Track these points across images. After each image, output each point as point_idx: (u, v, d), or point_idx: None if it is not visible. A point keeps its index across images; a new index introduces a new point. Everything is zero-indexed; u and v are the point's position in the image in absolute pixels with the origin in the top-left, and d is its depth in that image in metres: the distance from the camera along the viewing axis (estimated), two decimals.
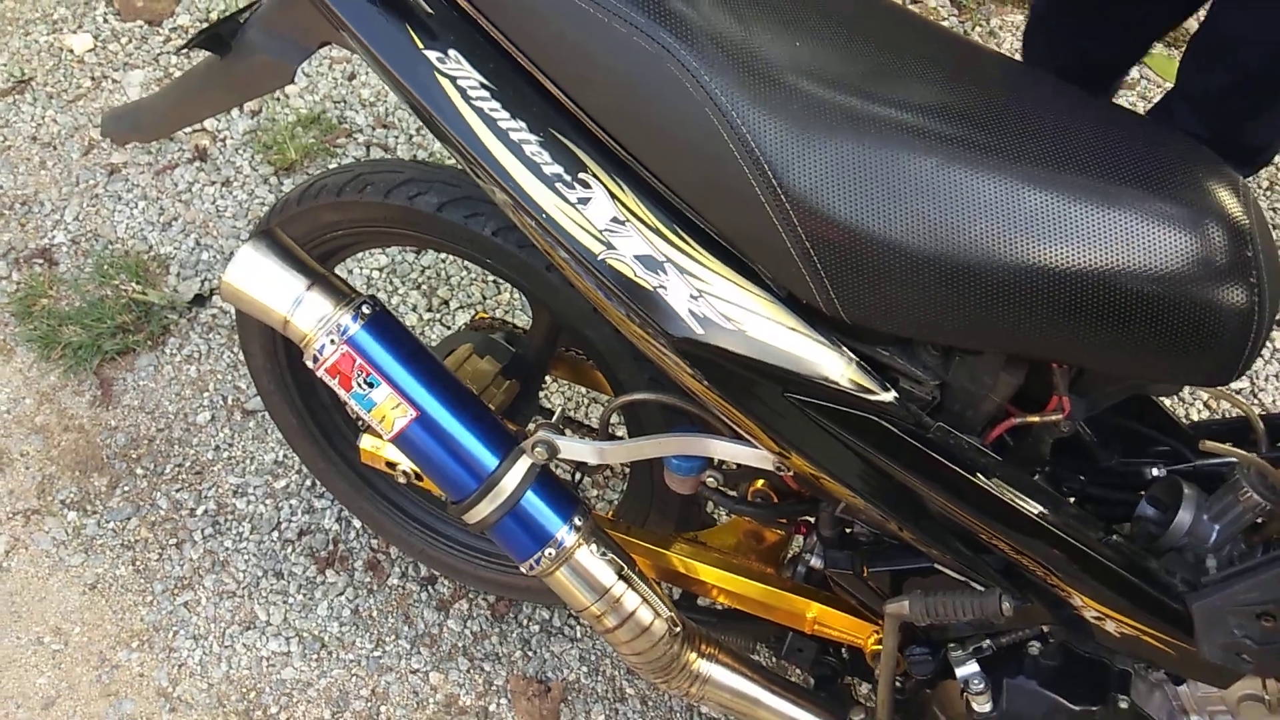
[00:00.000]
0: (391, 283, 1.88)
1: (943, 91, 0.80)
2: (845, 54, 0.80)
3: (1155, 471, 0.96)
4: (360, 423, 1.40)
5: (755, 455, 0.96)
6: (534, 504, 1.05)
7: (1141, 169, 0.75)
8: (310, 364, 1.03)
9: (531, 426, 1.06)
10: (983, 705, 0.98)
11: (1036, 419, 0.86)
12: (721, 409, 0.89)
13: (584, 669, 1.53)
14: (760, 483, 1.07)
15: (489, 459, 1.04)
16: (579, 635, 1.56)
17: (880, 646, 1.03)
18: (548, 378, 1.61)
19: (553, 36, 0.79)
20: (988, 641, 0.99)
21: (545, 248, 0.86)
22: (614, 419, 1.09)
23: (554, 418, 1.08)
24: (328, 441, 1.45)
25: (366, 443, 1.27)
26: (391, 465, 1.26)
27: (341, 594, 1.59)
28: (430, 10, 0.83)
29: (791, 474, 0.96)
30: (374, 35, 0.84)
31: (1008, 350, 0.82)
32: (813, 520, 1.10)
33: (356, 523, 1.64)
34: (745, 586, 1.15)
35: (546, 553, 1.04)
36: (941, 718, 1.05)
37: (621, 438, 1.08)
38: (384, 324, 1.03)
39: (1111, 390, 0.87)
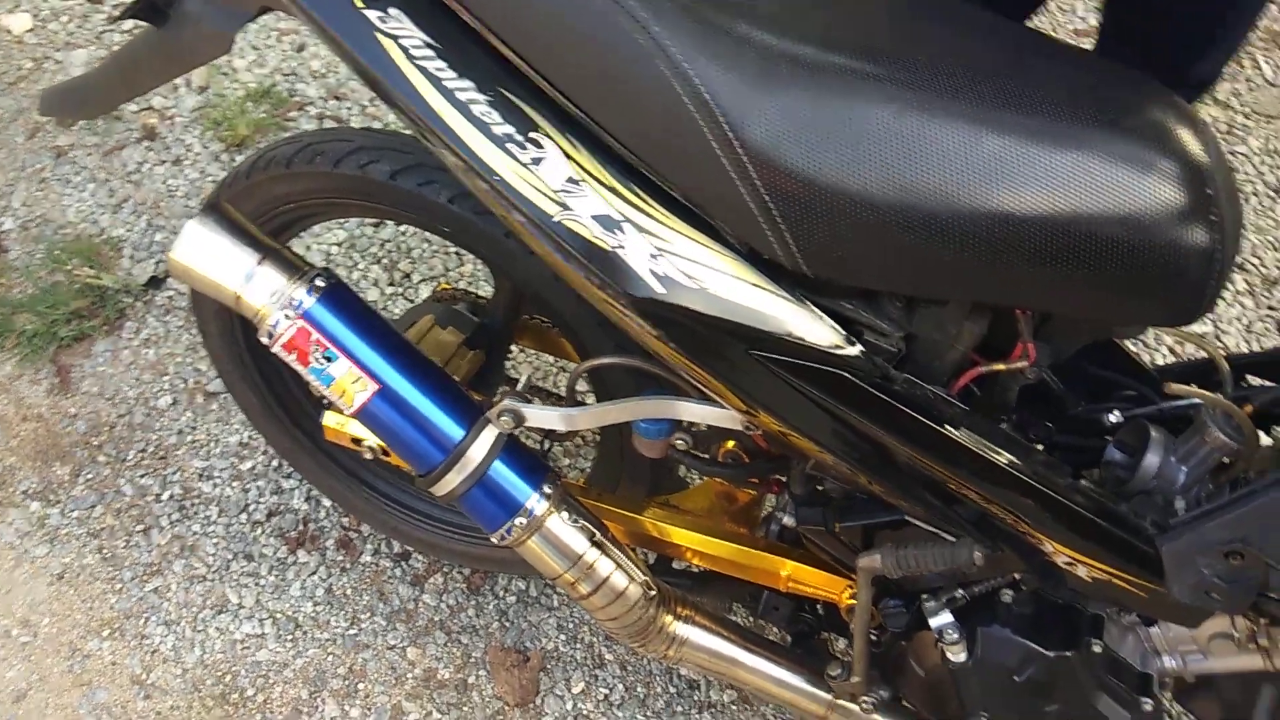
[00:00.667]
0: (351, 257, 1.85)
1: (898, 38, 0.78)
2: (797, 2, 0.78)
3: (1120, 416, 0.96)
4: (323, 399, 1.38)
5: (723, 416, 0.95)
6: (502, 473, 1.03)
7: (1099, 109, 0.74)
8: (265, 340, 1.00)
9: (498, 396, 1.04)
10: (958, 654, 0.98)
11: (1002, 367, 0.85)
12: (688, 370, 0.88)
13: (562, 637, 1.53)
14: (730, 443, 1.06)
15: (454, 430, 1.02)
16: (556, 604, 1.56)
17: (855, 601, 1.03)
18: (514, 347, 1.60)
19: None
20: (960, 591, 0.99)
21: (500, 212, 0.84)
22: (581, 385, 1.07)
23: (519, 385, 1.07)
24: (291, 420, 1.43)
25: (330, 419, 1.25)
26: (357, 441, 1.24)
27: (314, 573, 1.57)
28: None
29: (760, 433, 0.96)
30: None
31: (971, 298, 0.81)
32: (784, 479, 1.10)
33: (326, 501, 1.62)
34: (719, 548, 1.14)
35: (517, 522, 1.03)
36: (918, 669, 1.06)
37: (589, 403, 1.07)
38: (340, 296, 1.01)
39: (1076, 335, 0.86)
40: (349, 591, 1.56)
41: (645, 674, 1.51)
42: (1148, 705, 0.98)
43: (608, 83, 0.76)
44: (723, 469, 1.07)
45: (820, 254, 0.76)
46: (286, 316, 0.98)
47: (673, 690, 1.49)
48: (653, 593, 1.08)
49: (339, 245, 1.86)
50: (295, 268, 1.00)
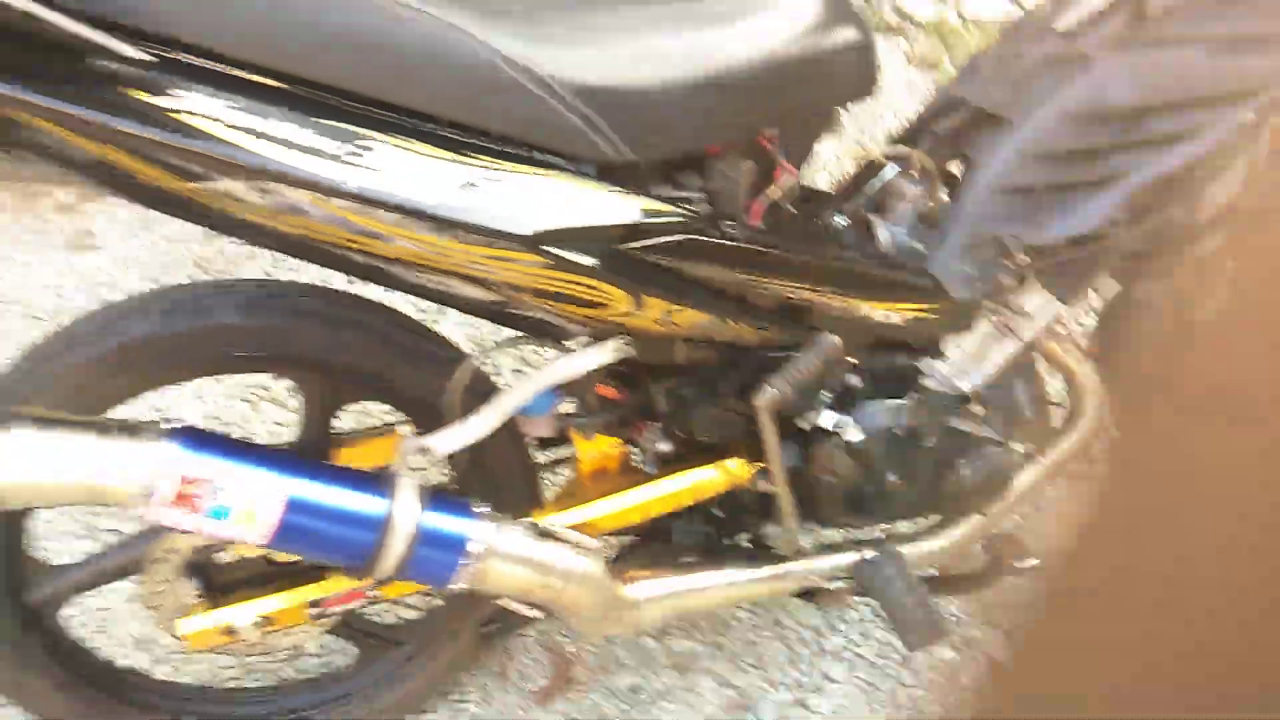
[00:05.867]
0: None
1: None
2: None
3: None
4: (214, 549, 1.15)
5: (599, 352, 1.05)
6: (436, 519, 1.03)
7: None
8: (149, 515, 0.91)
9: (396, 446, 1.04)
10: (856, 435, 1.16)
11: (778, 189, 1.07)
12: (571, 296, 0.97)
13: None
14: (601, 389, 1.16)
15: (375, 503, 1.00)
16: None
17: (760, 467, 1.18)
18: None
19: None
20: (825, 393, 1.17)
21: (356, 242, 0.88)
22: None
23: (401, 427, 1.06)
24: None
25: (190, 626, 1.12)
26: (231, 631, 1.13)
27: None
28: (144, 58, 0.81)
29: (627, 357, 1.06)
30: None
31: (739, 137, 1.02)
32: (646, 420, 1.20)
33: None
34: (632, 503, 1.20)
35: (471, 550, 1.03)
36: (831, 479, 1.21)
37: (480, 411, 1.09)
38: (195, 433, 0.95)
39: (810, 134, 1.11)
40: None
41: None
42: (976, 409, 1.24)
43: (431, 81, 0.86)
44: (607, 411, 1.16)
45: (638, 137, 0.93)
46: (161, 474, 0.90)
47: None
48: (608, 555, 1.13)
49: None
50: (138, 429, 0.92)
